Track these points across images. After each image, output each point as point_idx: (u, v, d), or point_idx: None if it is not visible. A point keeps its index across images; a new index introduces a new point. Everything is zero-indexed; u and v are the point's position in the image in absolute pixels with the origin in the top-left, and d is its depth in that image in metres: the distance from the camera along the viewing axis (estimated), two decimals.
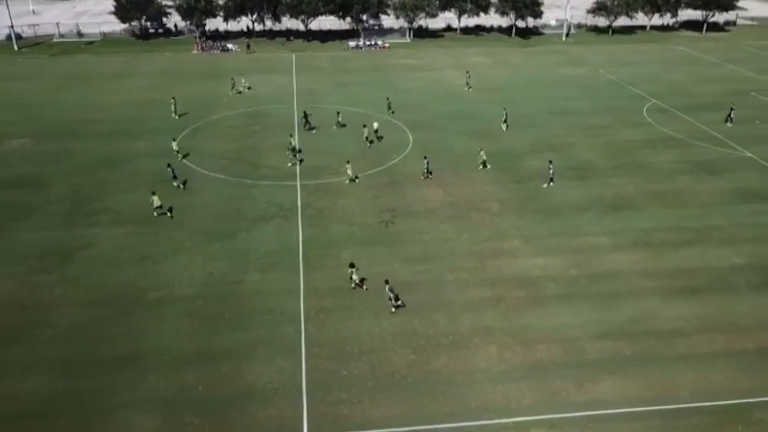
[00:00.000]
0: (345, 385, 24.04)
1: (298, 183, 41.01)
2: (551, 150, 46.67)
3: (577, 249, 33.53)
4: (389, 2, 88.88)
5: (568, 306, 28.86)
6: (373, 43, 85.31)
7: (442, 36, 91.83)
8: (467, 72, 66.05)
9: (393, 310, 28.18)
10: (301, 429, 22.06)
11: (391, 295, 27.95)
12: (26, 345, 25.99)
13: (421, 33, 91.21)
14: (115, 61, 75.66)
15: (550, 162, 40.89)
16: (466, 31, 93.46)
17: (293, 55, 78.93)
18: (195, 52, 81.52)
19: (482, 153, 43.52)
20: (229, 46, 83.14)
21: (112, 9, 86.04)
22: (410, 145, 47.93)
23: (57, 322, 27.40)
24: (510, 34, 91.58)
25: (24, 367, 24.76)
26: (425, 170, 41.63)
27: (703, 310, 28.58)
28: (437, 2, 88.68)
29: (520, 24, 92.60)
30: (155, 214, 36.33)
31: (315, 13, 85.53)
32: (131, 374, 24.45)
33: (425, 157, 42.15)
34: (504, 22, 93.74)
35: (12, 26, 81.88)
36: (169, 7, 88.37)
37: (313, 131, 47.93)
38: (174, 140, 45.48)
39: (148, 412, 22.67)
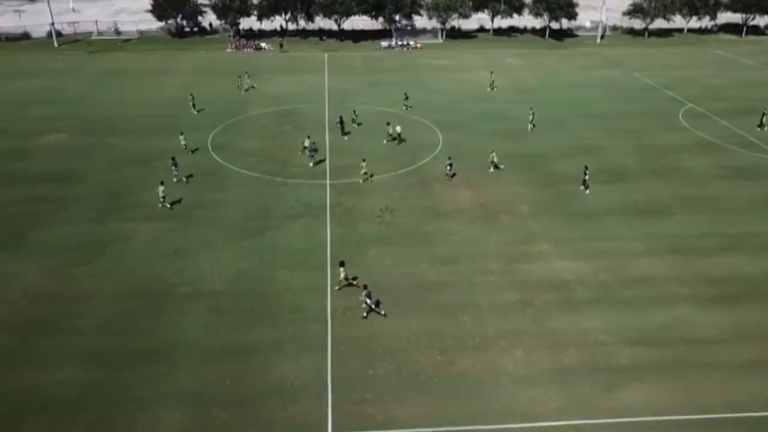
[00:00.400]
0: (370, 384, 24.06)
1: (328, 182, 41.19)
2: (583, 153, 46.10)
3: (608, 253, 33.03)
4: (422, 3, 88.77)
5: (598, 311, 28.45)
6: (405, 43, 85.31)
7: (475, 37, 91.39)
8: (491, 72, 65.73)
9: (365, 315, 27.70)
10: (326, 427, 22.14)
11: (368, 300, 27.51)
12: (60, 336, 26.55)
13: (454, 34, 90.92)
14: (150, 58, 76.91)
15: (586, 168, 40.17)
16: (498, 32, 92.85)
17: (325, 55, 79.33)
18: (229, 50, 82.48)
19: (493, 154, 43.00)
20: (263, 45, 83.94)
21: (149, 7, 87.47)
22: (440, 145, 47.79)
23: (90, 314, 27.94)
24: (543, 36, 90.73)
25: (57, 358, 25.28)
26: (448, 172, 41.25)
27: (738, 319, 27.92)
28: (470, 3, 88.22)
29: (554, 25, 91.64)
30: (159, 205, 37.18)
31: (348, 13, 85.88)
32: (160, 367, 24.81)
33: (449, 158, 41.92)
34: (538, 23, 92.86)
35: (53, 24, 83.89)
36: (205, 6, 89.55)
37: (345, 137, 47.66)
38: (181, 134, 46.05)
39: (176, 405, 22.97)
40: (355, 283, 29.76)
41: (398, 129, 47.90)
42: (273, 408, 22.86)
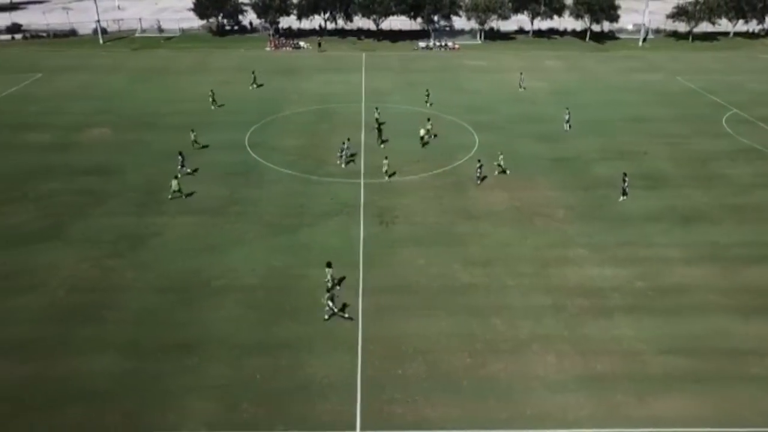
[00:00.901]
0: (400, 384, 24.02)
1: (362, 181, 41.28)
2: (622, 157, 45.35)
3: (645, 260, 32.38)
4: (461, 3, 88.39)
5: (633, 318, 27.91)
6: (443, 43, 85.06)
7: (514, 38, 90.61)
8: (520, 73, 65.13)
9: (326, 317, 27.49)
10: (355, 425, 22.18)
11: (331, 304, 27.32)
12: (96, 326, 27.14)
13: (492, 35, 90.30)
14: (191, 56, 78.14)
15: (625, 174, 39.21)
16: (538, 34, 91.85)
17: (363, 54, 79.58)
18: (268, 49, 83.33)
19: (501, 157, 42.28)
20: (301, 44, 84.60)
21: (192, 6, 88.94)
22: (476, 146, 47.49)
23: (126, 305, 28.52)
24: (584, 38, 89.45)
25: (93, 347, 25.85)
26: (479, 175, 40.71)
27: None
28: (510, 4, 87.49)
29: (595, 28, 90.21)
30: (169, 197, 38.11)
31: (387, 13, 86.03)
32: (193, 360, 25.17)
33: (479, 161, 41.54)
34: (578, 25, 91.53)
35: (99, 21, 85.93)
36: (246, 4, 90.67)
37: (383, 146, 46.85)
38: (192, 131, 46.52)
39: (208, 397, 23.28)
40: (339, 286, 29.66)
41: (422, 132, 47.44)
42: (302, 404, 22.99)
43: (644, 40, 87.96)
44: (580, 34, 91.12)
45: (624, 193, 38.84)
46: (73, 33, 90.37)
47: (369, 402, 23.14)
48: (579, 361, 25.33)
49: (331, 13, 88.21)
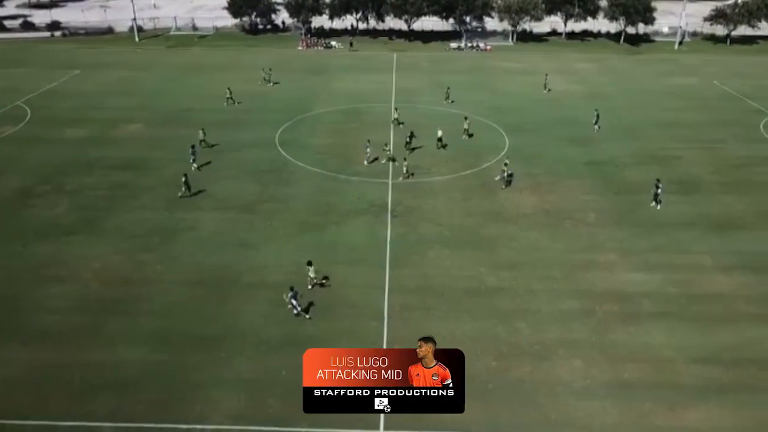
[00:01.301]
0: None
1: (390, 181, 41.33)
2: (655, 162, 44.66)
3: (677, 267, 31.83)
4: (494, 5, 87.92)
5: (664, 326, 27.47)
6: (474, 44, 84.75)
7: (546, 40, 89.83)
8: (546, 74, 64.59)
9: (296, 313, 27.64)
10: (378, 424, 22.23)
11: (294, 302, 27.25)
12: (127, 317, 27.65)
13: (525, 36, 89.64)
14: (224, 54, 79.06)
15: (658, 181, 38.08)
16: (571, 35, 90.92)
17: (394, 55, 79.66)
18: (300, 48, 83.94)
19: (506, 162, 41.02)
20: (333, 43, 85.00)
21: (226, 4, 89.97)
22: (506, 148, 47.21)
23: (156, 298, 29.00)
24: (618, 41, 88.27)
25: (124, 338, 26.34)
26: (505, 178, 40.02)
27: None
28: (543, 6, 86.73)
29: (630, 30, 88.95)
30: (179, 195, 38.34)
31: (419, 14, 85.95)
32: (220, 353, 25.48)
33: (505, 164, 40.99)
34: (612, 27, 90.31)
35: (135, 19, 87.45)
36: (279, 4, 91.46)
37: (407, 153, 45.14)
38: (202, 130, 46.78)
39: (234, 391, 23.55)
40: (326, 283, 29.82)
41: (439, 133, 46.90)
42: None
43: (680, 43, 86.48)
44: (614, 37, 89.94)
45: (656, 200, 38.02)
46: (110, 30, 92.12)
47: None
48: (607, 368, 25.03)
49: (363, 12, 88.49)
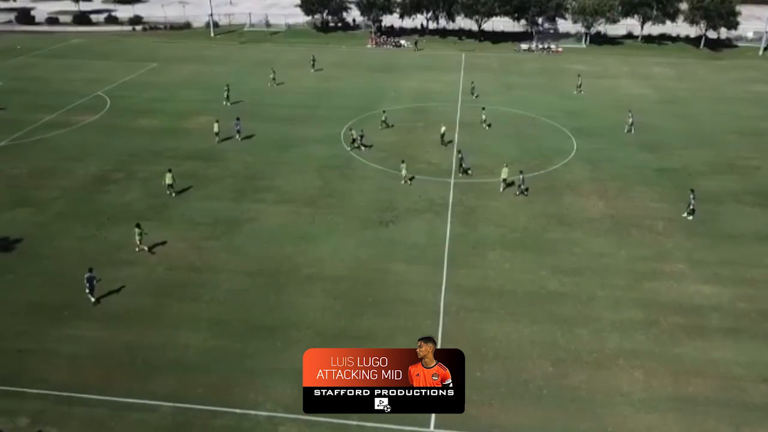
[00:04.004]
0: (477, 386, 23.69)
1: (452, 180, 41.06)
2: (731, 171, 42.71)
3: (750, 281, 30.34)
4: (567, 6, 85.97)
5: (733, 341, 26.21)
6: (545, 46, 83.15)
7: (621, 43, 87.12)
8: (578, 75, 62.99)
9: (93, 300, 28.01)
10: (429, 422, 22.13)
11: (87, 289, 27.64)
12: (190, 302, 28.51)
13: (598, 39, 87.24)
14: (295, 51, 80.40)
15: (692, 191, 36.34)
16: (648, 39, 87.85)
17: (463, 55, 79.11)
18: (369, 46, 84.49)
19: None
20: (402, 42, 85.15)
21: (299, 2, 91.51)
22: (573, 151, 46.11)
23: (219, 285, 29.78)
24: (698, 45, 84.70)
25: (186, 323, 27.18)
26: (521, 184, 38.32)
27: None
28: (620, 8, 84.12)
29: (711, 35, 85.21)
30: (168, 192, 38.42)
31: (490, 14, 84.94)
32: (276, 343, 25.93)
33: (521, 172, 38.89)
34: (692, 31, 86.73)
35: (211, 15, 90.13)
36: (350, 2, 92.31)
37: (461, 175, 42.10)
38: (217, 122, 47.59)
39: (288, 381, 23.82)
40: (152, 251, 32.03)
41: (443, 129, 47.09)
42: None
43: (765, 49, 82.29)
44: (693, 41, 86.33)
45: (691, 211, 36.02)
46: (187, 26, 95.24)
47: None
48: (669, 381, 24.09)
49: (433, 12, 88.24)
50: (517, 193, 38.83)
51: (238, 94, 58.51)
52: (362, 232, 34.73)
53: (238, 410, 22.71)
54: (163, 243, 33.16)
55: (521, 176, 38.60)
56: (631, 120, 49.82)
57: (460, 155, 42.12)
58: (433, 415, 22.22)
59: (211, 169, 42.71)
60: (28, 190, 39.46)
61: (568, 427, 22.01)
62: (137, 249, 32.14)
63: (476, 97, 58.21)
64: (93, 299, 28.13)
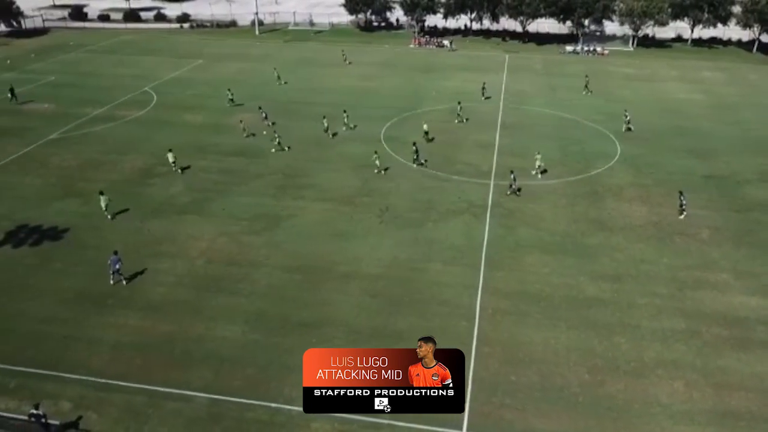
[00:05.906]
0: (511, 390, 23.52)
1: (492, 182, 40.74)
2: None
3: None
4: (615, 8, 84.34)
5: None
6: (591, 48, 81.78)
7: (669, 46, 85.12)
8: (586, 76, 62.10)
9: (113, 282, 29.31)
10: (462, 424, 22.00)
11: (112, 271, 29.11)
12: (228, 296, 28.98)
13: (646, 42, 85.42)
14: (338, 50, 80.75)
15: (681, 193, 36.21)
16: (698, 42, 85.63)
17: (506, 56, 78.41)
18: (412, 46, 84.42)
19: (539, 157, 41.08)
20: (445, 42, 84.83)
21: (343, 1, 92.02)
22: (617, 155, 45.24)
23: (258, 280, 30.18)
24: (751, 49, 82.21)
25: (224, 316, 27.64)
26: (513, 185, 38.23)
27: None
28: (669, 10, 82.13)
29: (765, 38, 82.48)
30: (174, 169, 41.56)
31: (535, 15, 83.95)
32: (311, 339, 26.12)
33: (512, 172, 38.94)
34: (745, 35, 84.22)
35: (257, 13, 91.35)
36: (394, 2, 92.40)
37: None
38: (241, 121, 49.32)
39: None
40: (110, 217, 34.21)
41: (425, 127, 47.51)
42: None
43: None
44: (745, 45, 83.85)
45: (681, 211, 36.12)
46: (233, 24, 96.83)
47: (478, 404, 22.85)
48: (710, 394, 23.48)
49: (477, 12, 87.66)
50: (508, 193, 38.56)
51: (278, 91, 59.06)
52: (400, 231, 34.73)
53: (272, 404, 22.97)
54: (203, 236, 33.78)
55: (512, 176, 38.36)
56: (627, 120, 49.80)
57: (414, 146, 42.90)
58: (466, 417, 22.10)
59: (252, 165, 43.27)
60: (77, 181, 40.67)
61: None
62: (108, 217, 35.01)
63: (487, 98, 58.19)
64: (116, 281, 29.40)
